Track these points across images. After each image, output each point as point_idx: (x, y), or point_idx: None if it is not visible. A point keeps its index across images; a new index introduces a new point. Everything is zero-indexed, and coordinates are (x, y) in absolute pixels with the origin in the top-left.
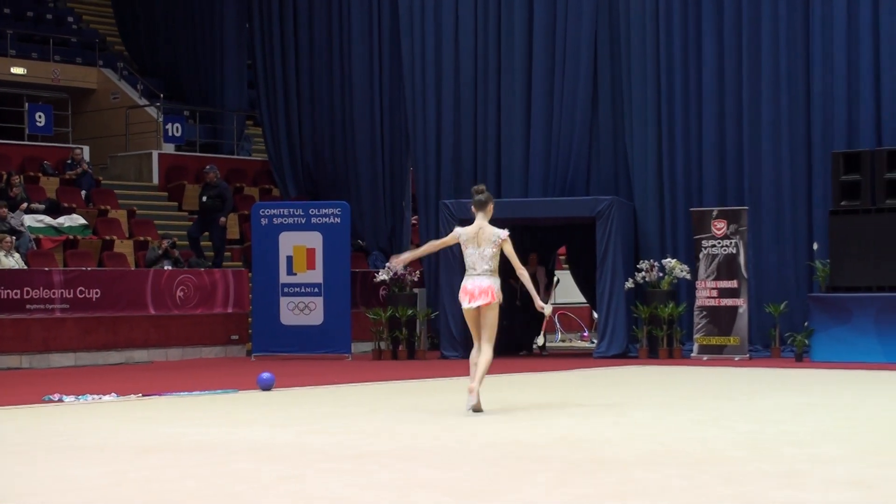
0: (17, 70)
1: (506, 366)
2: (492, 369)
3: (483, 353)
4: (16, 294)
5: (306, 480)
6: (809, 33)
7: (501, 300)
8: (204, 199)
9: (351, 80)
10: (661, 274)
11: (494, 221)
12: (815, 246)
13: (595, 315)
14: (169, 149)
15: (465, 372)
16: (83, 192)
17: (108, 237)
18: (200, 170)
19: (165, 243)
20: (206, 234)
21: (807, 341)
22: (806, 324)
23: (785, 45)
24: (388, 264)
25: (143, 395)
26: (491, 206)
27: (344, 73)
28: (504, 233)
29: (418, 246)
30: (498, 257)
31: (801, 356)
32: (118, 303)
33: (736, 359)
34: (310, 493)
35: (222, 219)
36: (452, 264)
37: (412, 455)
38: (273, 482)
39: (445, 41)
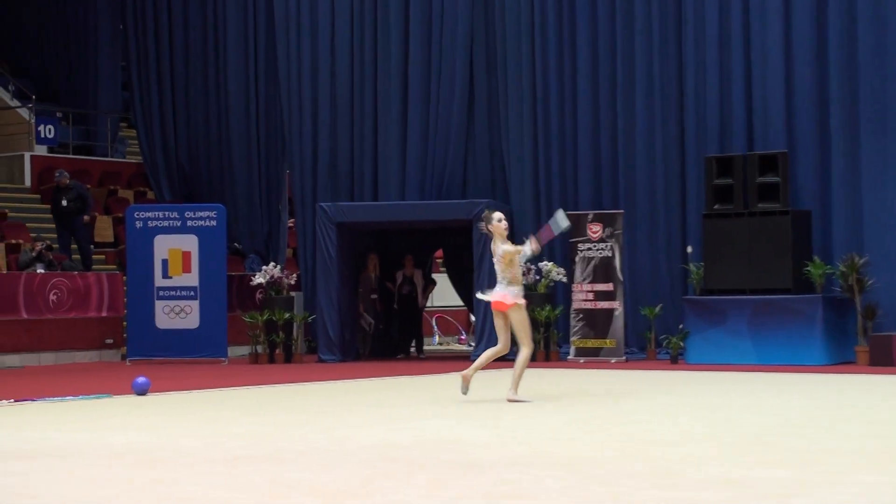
0: None
1: (382, 369)
2: (368, 372)
3: (519, 353)
4: None
5: (179, 484)
6: (682, 40)
7: (522, 304)
8: (64, 203)
9: (226, 82)
10: (537, 277)
11: (370, 224)
12: (689, 249)
13: (472, 318)
14: (42, 150)
15: (342, 375)
16: None
17: None
18: (76, 172)
19: (39, 246)
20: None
21: (682, 343)
22: (681, 326)
23: (658, 50)
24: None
25: (15, 401)
26: (492, 227)
27: (219, 76)
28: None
29: (295, 250)
30: (508, 270)
31: (676, 358)
32: None
33: (612, 361)
34: (182, 497)
35: (86, 217)
36: (329, 267)
37: (285, 458)
38: (145, 486)
39: (321, 45)
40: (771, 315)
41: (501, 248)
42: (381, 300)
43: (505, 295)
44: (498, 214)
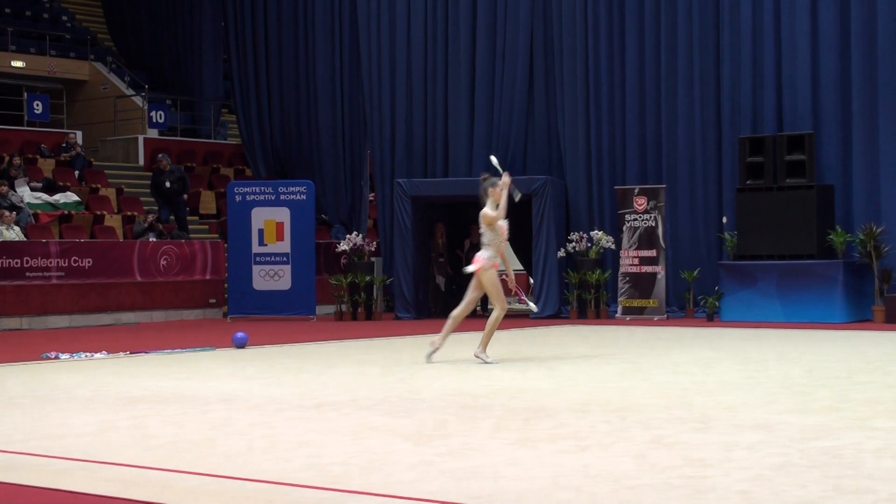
0: (17, 63)
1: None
2: (439, 328)
3: (492, 313)
4: (16, 263)
5: (274, 426)
6: (719, 31)
7: (490, 267)
8: (168, 184)
9: (315, 73)
10: (589, 244)
11: (441, 197)
12: (724, 219)
13: (531, 281)
14: (153, 133)
15: (416, 331)
16: (76, 172)
17: (99, 212)
18: (182, 152)
19: (151, 217)
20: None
21: (717, 303)
22: (716, 288)
23: (698, 40)
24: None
25: (131, 353)
26: (490, 191)
27: (309, 67)
28: (484, 210)
29: (375, 221)
30: (488, 233)
31: (711, 316)
32: (108, 270)
33: (655, 319)
34: (277, 438)
35: (185, 196)
36: (405, 236)
37: (368, 404)
38: (245, 428)
39: (398, 39)
40: (797, 278)
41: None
42: (449, 264)
43: (478, 258)
44: (501, 182)
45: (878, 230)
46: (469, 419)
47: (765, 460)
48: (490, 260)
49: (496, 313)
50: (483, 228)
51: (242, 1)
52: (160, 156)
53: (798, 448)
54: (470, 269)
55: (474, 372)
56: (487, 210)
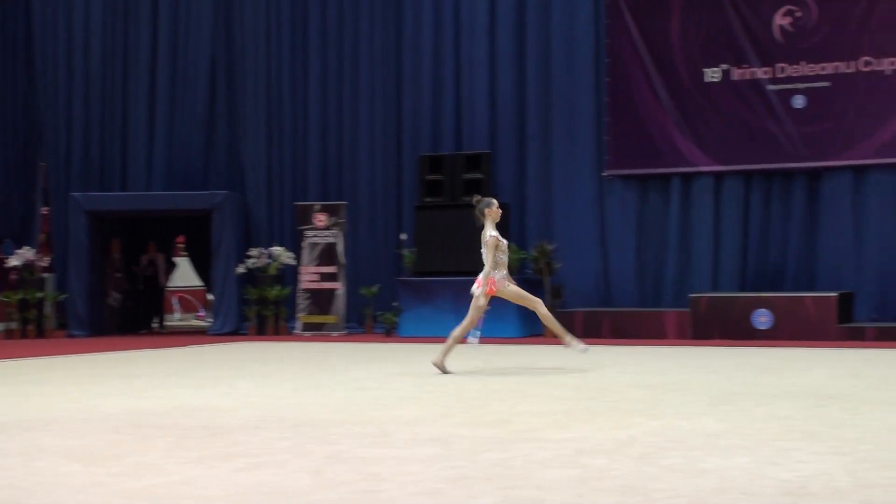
0: None
1: (128, 343)
2: (115, 346)
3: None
4: None
5: None
6: (401, 52)
7: (484, 291)
8: None
9: None
10: (269, 260)
11: (118, 212)
12: (404, 236)
13: (210, 296)
14: None
15: (91, 349)
16: None
17: None
18: None
19: None
20: None
21: (395, 319)
22: (395, 303)
23: (380, 60)
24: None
25: None
26: (486, 212)
27: None
28: (488, 234)
29: (48, 236)
30: (490, 255)
31: (390, 332)
32: None
33: (334, 334)
34: None
35: None
36: (80, 252)
37: (37, 425)
38: None
39: (76, 47)
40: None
41: (490, 233)
42: (126, 280)
43: (490, 280)
44: (495, 201)
45: (550, 248)
46: (144, 438)
47: (439, 473)
48: (505, 279)
49: (542, 310)
50: (487, 250)
51: None
52: None
53: (471, 460)
54: (481, 290)
55: (150, 391)
56: (489, 231)
